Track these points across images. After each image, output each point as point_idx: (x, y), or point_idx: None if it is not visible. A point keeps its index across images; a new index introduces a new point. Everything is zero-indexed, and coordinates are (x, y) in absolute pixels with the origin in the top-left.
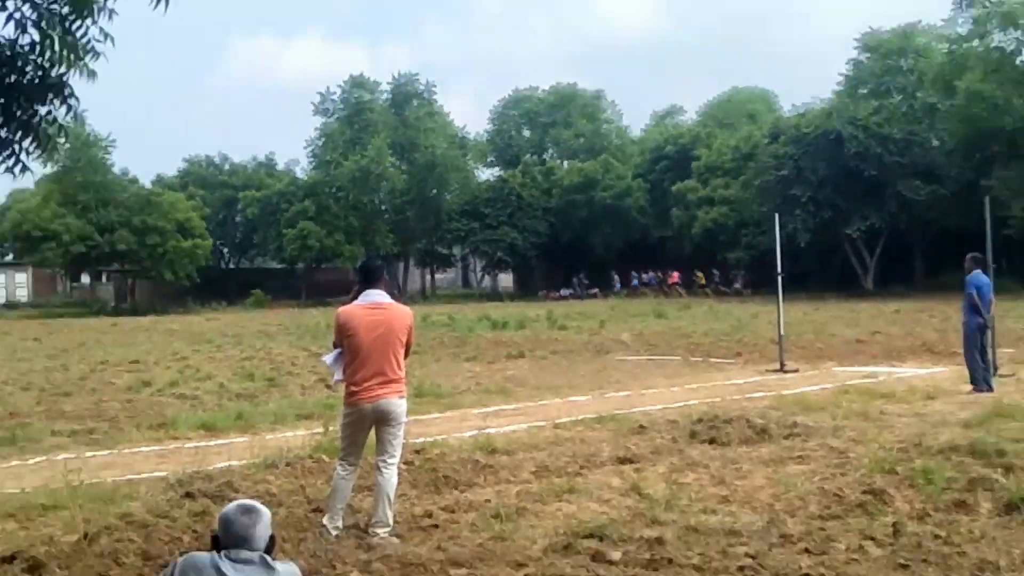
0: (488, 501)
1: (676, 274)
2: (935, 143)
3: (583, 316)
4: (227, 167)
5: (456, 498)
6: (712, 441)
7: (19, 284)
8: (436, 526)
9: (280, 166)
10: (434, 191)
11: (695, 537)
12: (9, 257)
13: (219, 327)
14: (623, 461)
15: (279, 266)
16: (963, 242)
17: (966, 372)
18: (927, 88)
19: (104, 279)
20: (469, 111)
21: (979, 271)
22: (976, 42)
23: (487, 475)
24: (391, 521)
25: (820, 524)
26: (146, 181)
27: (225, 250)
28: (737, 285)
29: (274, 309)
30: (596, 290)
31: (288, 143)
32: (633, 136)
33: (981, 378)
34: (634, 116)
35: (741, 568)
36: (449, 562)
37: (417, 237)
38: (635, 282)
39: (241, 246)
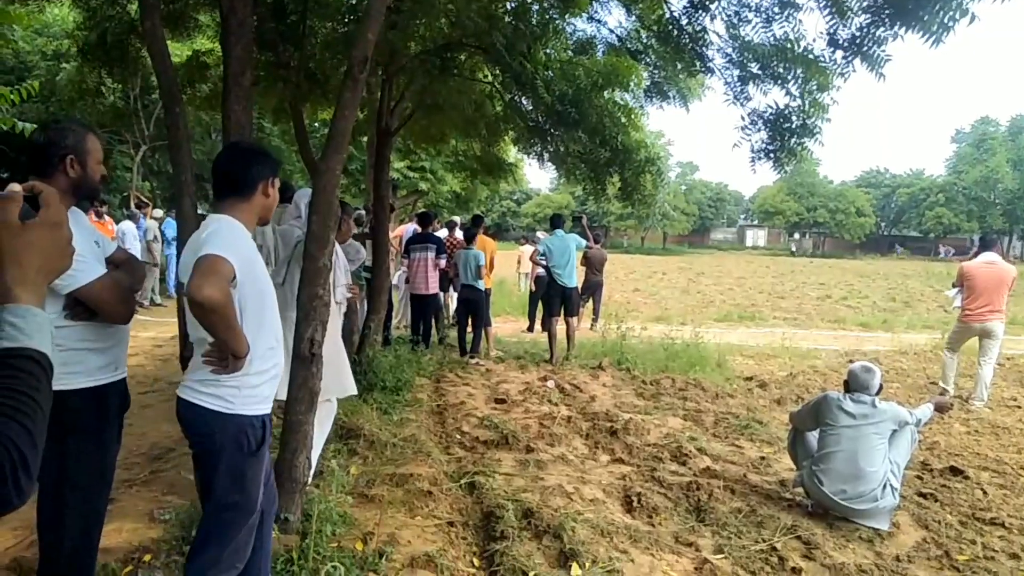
0: None
1: None
2: None
3: None
4: (888, 172)
5: None
6: None
7: (759, 237)
8: (1019, 406)
9: (926, 173)
10: None
11: None
12: (755, 221)
13: (874, 268)
14: None
15: (916, 233)
16: None
17: None
18: None
19: (807, 236)
20: None
21: None
22: None
23: None
24: (985, 397)
25: None
26: (836, 180)
27: (883, 223)
28: None
29: (910, 261)
30: None
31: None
32: None
33: None
34: None
35: None
36: None
37: (1021, 220)
38: None
39: (893, 220)
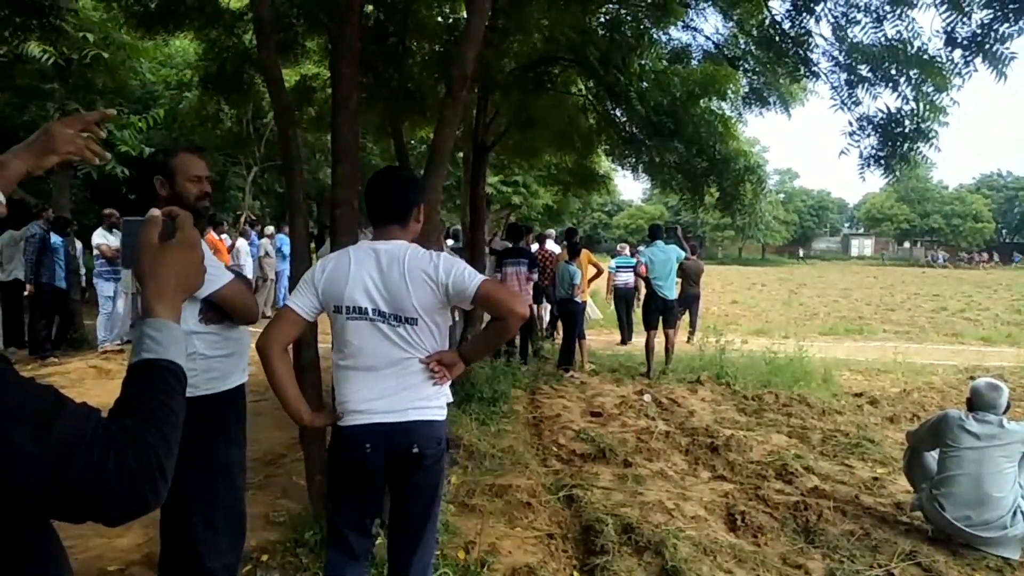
0: None
1: None
2: None
3: None
4: (1010, 175)
5: None
6: None
7: (866, 245)
8: None
9: None
10: None
11: None
12: (860, 230)
13: (994, 279)
14: None
15: None
16: None
17: None
18: None
19: (918, 245)
20: None
21: None
22: None
23: None
24: None
25: None
26: (952, 184)
27: (1004, 230)
28: None
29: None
30: None
31: None
32: None
33: None
34: None
35: None
36: None
37: None
38: None
39: (1016, 227)
